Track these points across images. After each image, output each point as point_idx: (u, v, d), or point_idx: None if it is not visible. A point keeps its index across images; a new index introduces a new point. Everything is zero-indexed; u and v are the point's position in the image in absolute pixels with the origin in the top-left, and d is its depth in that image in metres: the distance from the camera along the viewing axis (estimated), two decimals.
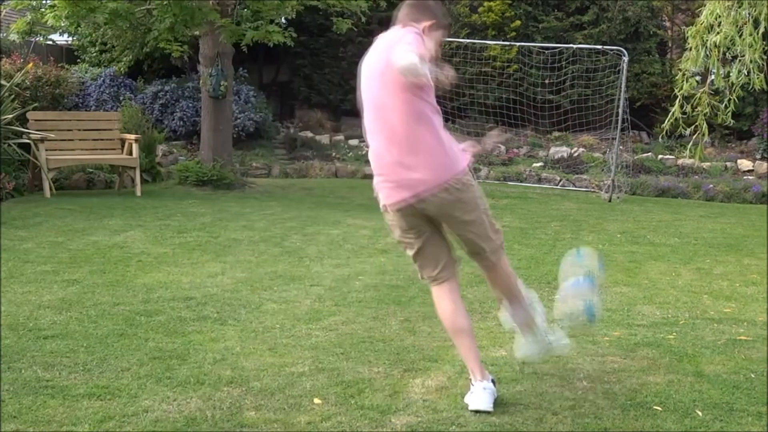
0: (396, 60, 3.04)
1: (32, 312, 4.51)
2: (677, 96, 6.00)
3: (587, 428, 3.16)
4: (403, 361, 3.86)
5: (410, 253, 3.47)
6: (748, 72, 5.58)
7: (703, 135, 5.89)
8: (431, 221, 3.40)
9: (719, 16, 5.52)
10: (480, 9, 14.87)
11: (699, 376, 3.79)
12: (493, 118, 14.48)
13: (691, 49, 5.75)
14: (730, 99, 5.78)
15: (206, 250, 6.52)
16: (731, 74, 5.72)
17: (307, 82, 15.58)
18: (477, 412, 3.24)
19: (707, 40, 5.62)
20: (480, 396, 3.28)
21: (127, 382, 3.47)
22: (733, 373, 3.83)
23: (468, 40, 13.96)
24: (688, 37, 5.86)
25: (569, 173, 13.34)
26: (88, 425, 3.02)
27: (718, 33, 5.53)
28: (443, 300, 3.46)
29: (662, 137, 7.12)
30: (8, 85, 10.00)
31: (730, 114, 5.80)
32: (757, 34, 5.50)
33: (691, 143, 6.15)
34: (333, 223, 8.19)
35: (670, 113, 5.96)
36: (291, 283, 5.46)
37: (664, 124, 6.08)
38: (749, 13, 5.57)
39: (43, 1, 10.59)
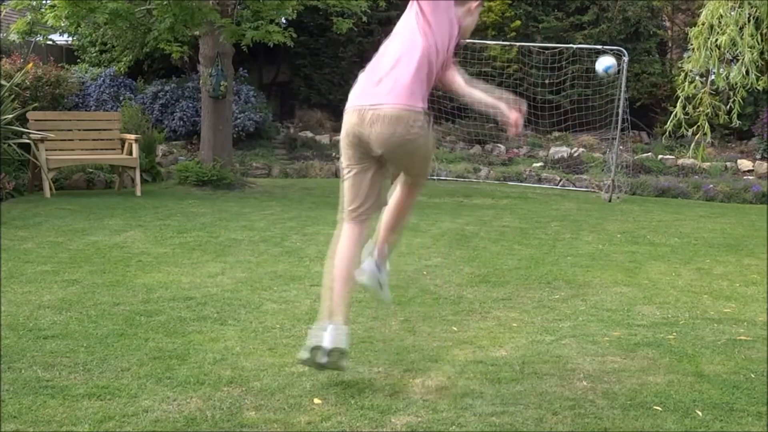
0: None
1: (32, 312, 4.51)
2: (679, 97, 6.01)
3: (587, 428, 3.15)
4: (403, 361, 3.86)
5: (347, 175, 3.54)
6: (747, 72, 5.58)
7: (705, 134, 5.89)
8: (376, 157, 3.47)
9: (721, 17, 5.52)
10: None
11: (699, 376, 3.79)
12: (493, 118, 14.46)
13: (694, 50, 5.74)
14: (734, 100, 5.78)
15: (206, 250, 6.52)
16: (731, 75, 5.72)
17: (307, 82, 15.59)
18: (331, 350, 3.33)
19: (710, 41, 5.62)
20: (336, 335, 3.37)
21: (127, 382, 3.46)
22: (733, 373, 3.83)
23: (468, 40, 13.95)
24: (690, 38, 5.86)
25: (569, 173, 13.34)
26: (88, 425, 3.02)
27: (719, 34, 5.53)
28: (347, 243, 3.61)
29: (665, 137, 7.13)
30: (8, 85, 10.00)
31: (735, 115, 5.80)
32: (759, 34, 5.50)
33: (693, 143, 6.15)
34: (333, 223, 8.10)
35: (673, 114, 5.96)
36: (291, 283, 5.46)
37: (666, 125, 6.09)
38: (750, 14, 5.57)
39: (43, 1, 10.59)
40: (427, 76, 3.40)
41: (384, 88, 3.34)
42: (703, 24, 5.67)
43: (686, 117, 5.91)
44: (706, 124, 5.87)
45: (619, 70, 11.93)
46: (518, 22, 14.88)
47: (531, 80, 14.40)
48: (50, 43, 12.83)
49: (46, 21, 10.14)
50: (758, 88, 5.80)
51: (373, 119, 3.33)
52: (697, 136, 5.86)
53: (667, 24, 16.29)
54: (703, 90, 5.94)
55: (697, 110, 5.87)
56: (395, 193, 3.75)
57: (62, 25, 10.69)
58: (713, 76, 6.04)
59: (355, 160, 3.48)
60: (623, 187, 12.05)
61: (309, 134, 14.76)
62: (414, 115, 3.35)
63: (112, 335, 4.14)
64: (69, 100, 12.95)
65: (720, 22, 5.53)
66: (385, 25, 15.42)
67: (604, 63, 7.16)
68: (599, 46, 13.18)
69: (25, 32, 10.85)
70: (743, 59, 5.54)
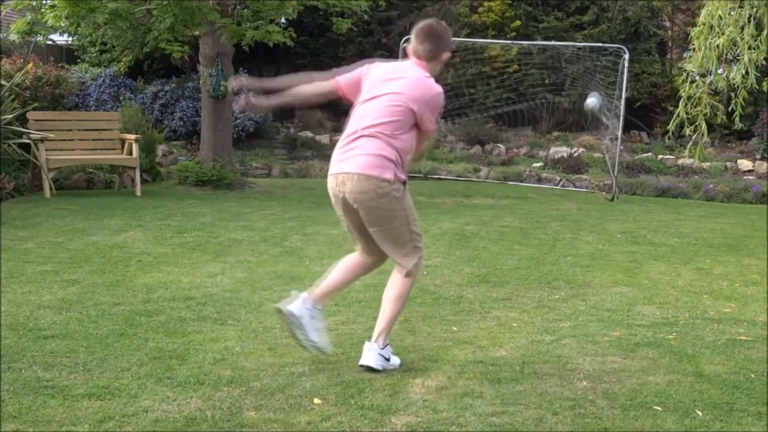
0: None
1: (32, 312, 4.51)
2: (681, 97, 6.00)
3: (587, 428, 3.16)
4: (403, 361, 3.86)
5: (342, 224, 3.94)
6: (746, 72, 5.57)
7: (703, 135, 5.87)
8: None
9: (722, 18, 5.51)
10: (480, 9, 14.87)
11: (699, 376, 3.79)
12: (493, 118, 14.49)
13: (695, 50, 5.72)
14: (736, 102, 5.77)
15: (206, 250, 6.52)
16: (731, 75, 5.71)
17: None
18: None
19: (711, 42, 5.60)
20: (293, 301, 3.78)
21: (127, 382, 3.47)
22: (733, 373, 3.84)
23: (468, 40, 13.97)
24: (692, 38, 5.84)
25: (569, 173, 13.34)
26: (88, 425, 3.02)
27: (719, 34, 5.52)
28: (352, 264, 3.94)
29: (668, 137, 7.11)
30: (8, 85, 10.00)
31: (738, 117, 5.78)
32: (761, 35, 5.50)
33: (690, 143, 6.14)
34: (333, 223, 8.17)
35: (675, 114, 5.95)
36: (291, 283, 5.45)
37: (670, 125, 6.08)
38: (750, 14, 5.56)
39: (43, 1, 10.59)
40: (401, 150, 3.77)
41: (352, 161, 3.83)
42: (703, 24, 5.66)
43: (687, 117, 5.91)
44: (704, 124, 5.86)
45: (619, 71, 11.98)
46: (518, 22, 14.87)
47: (531, 80, 14.40)
48: (50, 43, 12.83)
49: (46, 21, 10.14)
50: (757, 88, 5.80)
51: (344, 180, 3.81)
52: (695, 136, 5.84)
53: (667, 24, 16.30)
54: (701, 90, 5.93)
55: (695, 110, 5.86)
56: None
57: (62, 25, 10.69)
58: (712, 77, 6.03)
59: (343, 212, 3.91)
60: (612, 185, 12.03)
61: (309, 134, 14.75)
62: (382, 181, 3.69)
63: (112, 335, 4.14)
64: (69, 100, 12.94)
65: (720, 23, 5.52)
66: (385, 25, 15.40)
67: (593, 102, 9.96)
68: (599, 44, 13.21)
69: (25, 32, 10.84)
70: (743, 60, 5.53)
